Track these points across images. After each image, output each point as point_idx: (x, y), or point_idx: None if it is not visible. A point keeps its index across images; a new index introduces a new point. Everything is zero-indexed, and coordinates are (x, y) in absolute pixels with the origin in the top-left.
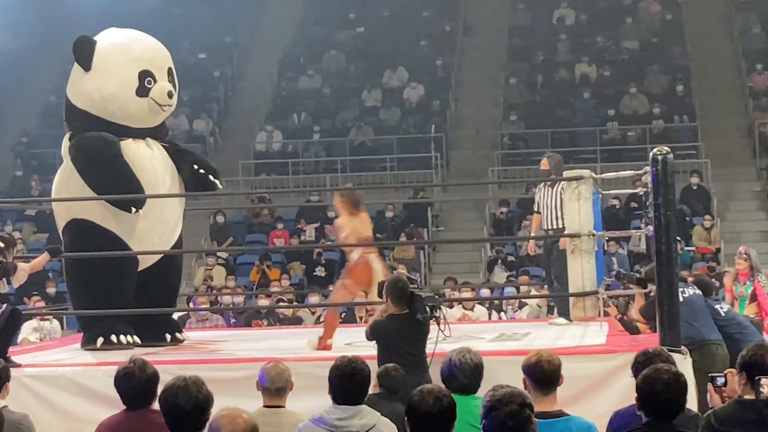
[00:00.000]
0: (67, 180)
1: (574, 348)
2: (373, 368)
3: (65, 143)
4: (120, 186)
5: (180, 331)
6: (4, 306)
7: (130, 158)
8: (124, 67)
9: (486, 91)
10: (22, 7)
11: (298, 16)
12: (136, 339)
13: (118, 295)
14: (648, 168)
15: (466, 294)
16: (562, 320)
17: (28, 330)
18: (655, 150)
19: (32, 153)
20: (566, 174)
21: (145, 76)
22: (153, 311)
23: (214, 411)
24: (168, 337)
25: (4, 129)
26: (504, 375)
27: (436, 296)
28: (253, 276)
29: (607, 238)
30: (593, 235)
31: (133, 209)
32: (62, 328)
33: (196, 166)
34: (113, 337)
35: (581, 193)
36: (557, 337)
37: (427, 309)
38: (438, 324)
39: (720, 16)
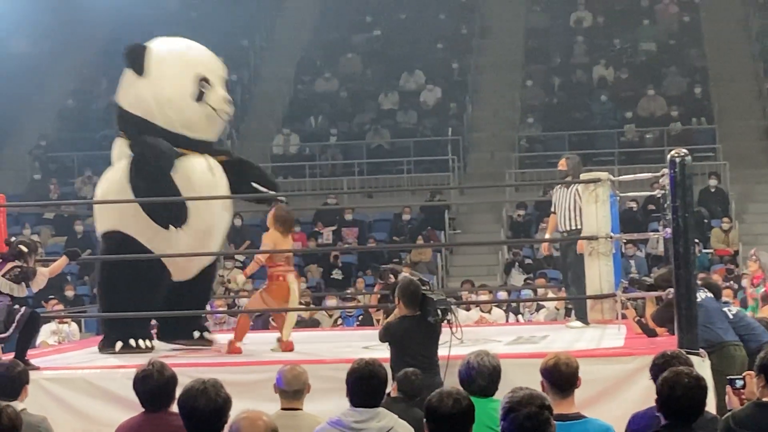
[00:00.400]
0: (117, 188)
1: (592, 351)
2: (387, 370)
3: (119, 147)
4: (162, 203)
5: (209, 332)
6: (23, 309)
7: (184, 175)
8: (180, 70)
9: (503, 94)
10: (40, 12)
11: (315, 19)
12: (155, 344)
13: (144, 307)
14: (666, 170)
15: (484, 297)
16: (578, 323)
17: (46, 333)
18: (672, 152)
19: (50, 156)
20: (584, 176)
21: (202, 81)
22: (170, 314)
23: (233, 414)
24: (196, 334)
25: (23, 133)
26: (521, 378)
27: (448, 299)
28: None
29: (624, 241)
30: (611, 237)
31: (171, 227)
32: (81, 330)
33: (254, 184)
34: (132, 341)
35: (599, 196)
36: (575, 340)
37: (439, 312)
38: (450, 327)
39: (738, 18)
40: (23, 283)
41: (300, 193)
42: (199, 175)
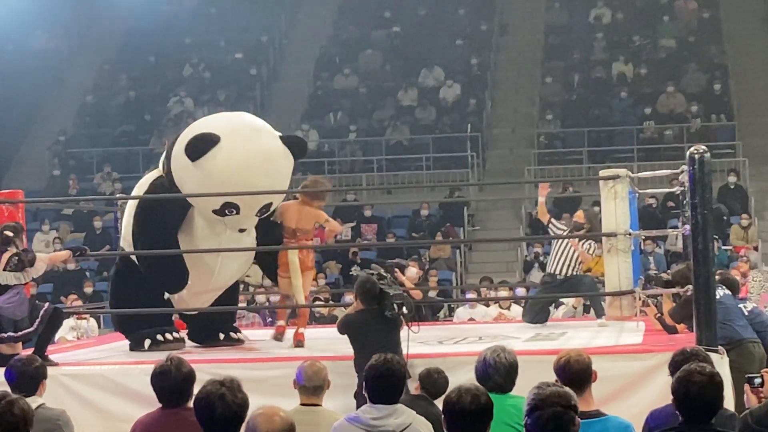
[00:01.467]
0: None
1: (611, 347)
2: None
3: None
4: (163, 267)
5: (236, 331)
6: (47, 305)
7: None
8: (213, 190)
9: (522, 90)
10: (59, 8)
11: (334, 15)
12: (183, 335)
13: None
14: (685, 167)
15: (503, 293)
16: (604, 320)
17: (65, 329)
18: (692, 149)
19: (69, 152)
20: (603, 173)
21: (228, 206)
22: (190, 310)
23: (250, 410)
24: (221, 335)
25: (42, 129)
26: (539, 375)
27: (405, 293)
28: None
29: (643, 238)
30: (629, 234)
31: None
32: (99, 326)
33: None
34: (159, 336)
35: (617, 192)
36: (593, 337)
37: (395, 306)
38: (408, 324)
39: (758, 15)
40: (26, 270)
41: (319, 190)
42: (207, 238)
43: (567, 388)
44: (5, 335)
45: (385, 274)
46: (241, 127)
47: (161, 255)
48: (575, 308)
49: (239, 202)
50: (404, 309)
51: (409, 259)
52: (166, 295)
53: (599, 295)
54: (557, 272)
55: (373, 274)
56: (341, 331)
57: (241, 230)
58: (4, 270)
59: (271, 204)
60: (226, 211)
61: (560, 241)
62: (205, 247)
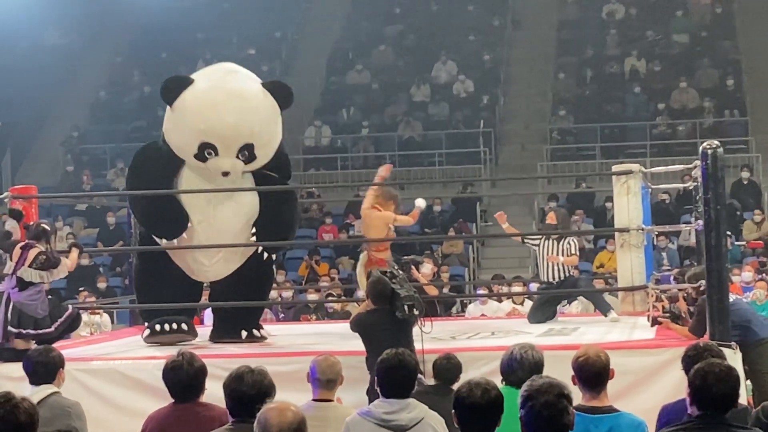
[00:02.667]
0: None
1: (624, 342)
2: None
3: None
4: (158, 212)
5: (257, 328)
6: (70, 308)
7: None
8: (188, 131)
9: (535, 86)
10: (71, 3)
11: (347, 11)
12: (187, 327)
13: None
14: (698, 162)
15: (517, 288)
16: (614, 314)
17: None
18: (705, 144)
19: (83, 148)
20: (616, 168)
21: (205, 147)
22: (206, 305)
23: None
24: (244, 333)
25: (55, 124)
26: (552, 370)
27: (416, 293)
28: (302, 271)
29: (656, 233)
30: (642, 229)
31: (164, 240)
32: (112, 322)
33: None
34: (157, 326)
35: (630, 188)
36: (606, 332)
37: (406, 308)
38: (419, 322)
39: None
40: (51, 270)
41: (332, 185)
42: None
43: (560, 380)
44: (24, 331)
45: (397, 272)
46: (217, 69)
47: (155, 196)
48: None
49: (215, 141)
50: (415, 310)
51: (423, 256)
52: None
53: (597, 291)
54: (551, 279)
55: (385, 272)
56: (353, 329)
57: (225, 174)
58: (30, 266)
59: (252, 146)
60: (205, 153)
61: (542, 250)
62: (197, 201)
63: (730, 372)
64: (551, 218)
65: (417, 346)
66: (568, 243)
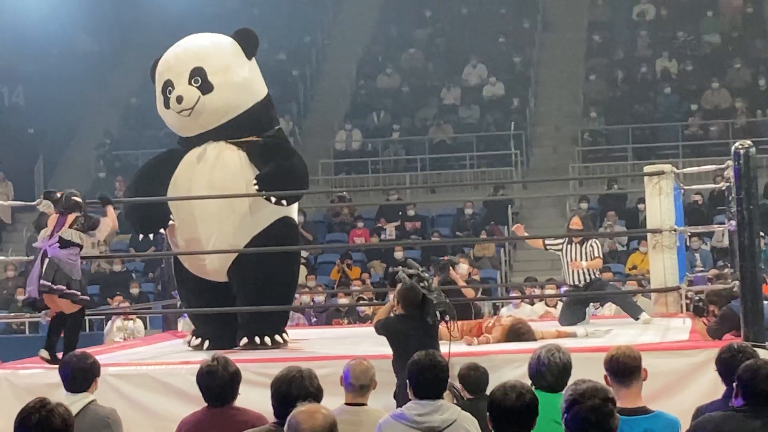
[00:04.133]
0: None
1: (657, 344)
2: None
3: None
4: (137, 207)
5: (263, 335)
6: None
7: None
8: (157, 82)
9: (566, 88)
10: (103, 11)
11: (376, 14)
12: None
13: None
14: (730, 162)
15: (550, 291)
16: (647, 316)
17: (112, 330)
18: (737, 144)
19: (115, 154)
20: (647, 169)
21: (166, 86)
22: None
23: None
24: (244, 341)
25: (87, 131)
26: (585, 372)
27: (446, 300)
28: (333, 275)
29: (689, 234)
30: (675, 230)
31: (141, 236)
32: (146, 327)
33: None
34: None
35: (662, 189)
36: (639, 334)
37: (438, 314)
38: (447, 326)
39: None
40: (90, 232)
41: (363, 189)
42: (182, 171)
43: (604, 384)
44: (56, 287)
45: (424, 274)
46: None
47: (137, 191)
48: None
49: (168, 74)
50: (446, 316)
51: (459, 255)
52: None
53: (627, 293)
54: (576, 282)
55: (412, 276)
56: (380, 332)
57: (179, 100)
58: (71, 227)
59: (203, 70)
60: (167, 92)
61: (566, 255)
62: (182, 178)
63: None
64: (576, 223)
65: (444, 349)
66: (591, 246)
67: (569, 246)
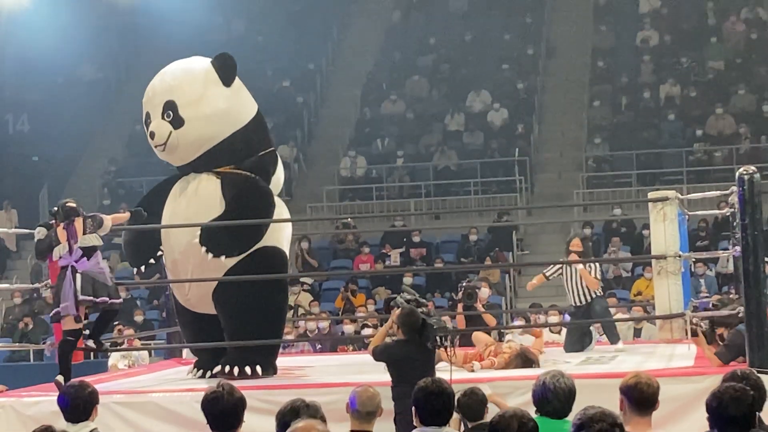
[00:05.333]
0: None
1: (663, 370)
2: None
3: None
4: (128, 240)
5: (247, 365)
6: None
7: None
8: (143, 113)
9: (570, 114)
10: (107, 38)
11: (380, 41)
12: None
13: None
14: (734, 188)
15: (554, 317)
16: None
17: (116, 357)
18: (741, 170)
19: (119, 182)
20: (652, 195)
21: (147, 119)
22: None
23: None
24: (216, 368)
25: (92, 159)
26: (591, 398)
27: (445, 325)
28: (338, 303)
29: (694, 260)
30: (679, 256)
31: (135, 270)
32: (150, 354)
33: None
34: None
35: (667, 214)
36: (644, 360)
37: (438, 339)
38: (446, 352)
39: None
40: (98, 231)
41: (367, 215)
42: (168, 202)
43: (612, 410)
44: (98, 299)
45: (422, 300)
46: None
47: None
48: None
49: (147, 108)
50: (445, 341)
51: (478, 279)
52: None
53: (649, 318)
54: (574, 302)
55: (410, 301)
56: (379, 358)
57: (151, 136)
58: (85, 233)
59: (174, 104)
60: (147, 125)
61: (568, 274)
62: (166, 209)
63: (746, 393)
64: (576, 244)
65: (445, 375)
66: (589, 267)
67: (569, 267)
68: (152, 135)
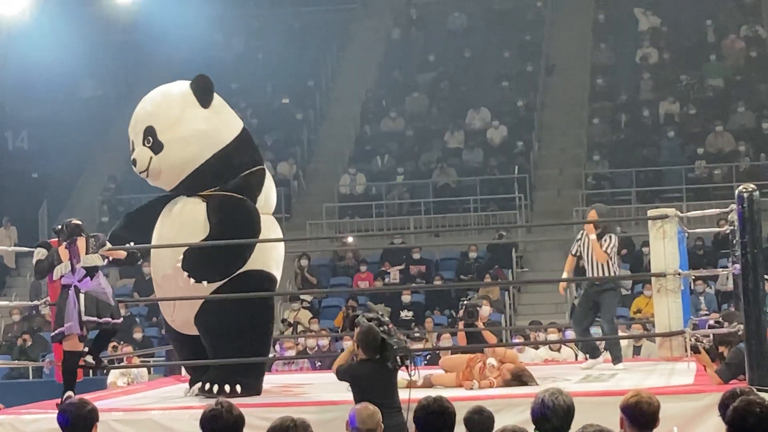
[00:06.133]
0: None
1: (662, 388)
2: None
3: None
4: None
5: (222, 384)
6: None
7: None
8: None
9: (569, 131)
10: (107, 55)
11: (380, 58)
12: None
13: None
14: (734, 206)
15: (553, 335)
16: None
17: (115, 374)
18: (741, 188)
19: (119, 199)
20: (651, 213)
21: (132, 147)
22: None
23: None
24: (196, 386)
25: (92, 176)
26: (590, 416)
27: (406, 345)
28: (337, 322)
29: (693, 278)
30: (679, 274)
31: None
32: (149, 372)
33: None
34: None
35: (666, 232)
36: (644, 378)
37: (398, 359)
38: (407, 370)
39: None
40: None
41: (367, 234)
42: (156, 228)
43: (610, 428)
44: (102, 320)
45: (384, 318)
46: None
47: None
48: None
49: (130, 136)
50: (406, 361)
51: (479, 297)
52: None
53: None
54: (592, 275)
55: (371, 319)
56: (342, 378)
57: (134, 163)
58: (88, 253)
59: (153, 129)
60: (132, 151)
61: (583, 249)
62: (156, 232)
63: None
64: (592, 215)
65: (404, 395)
66: (605, 240)
67: (585, 239)
68: (134, 162)
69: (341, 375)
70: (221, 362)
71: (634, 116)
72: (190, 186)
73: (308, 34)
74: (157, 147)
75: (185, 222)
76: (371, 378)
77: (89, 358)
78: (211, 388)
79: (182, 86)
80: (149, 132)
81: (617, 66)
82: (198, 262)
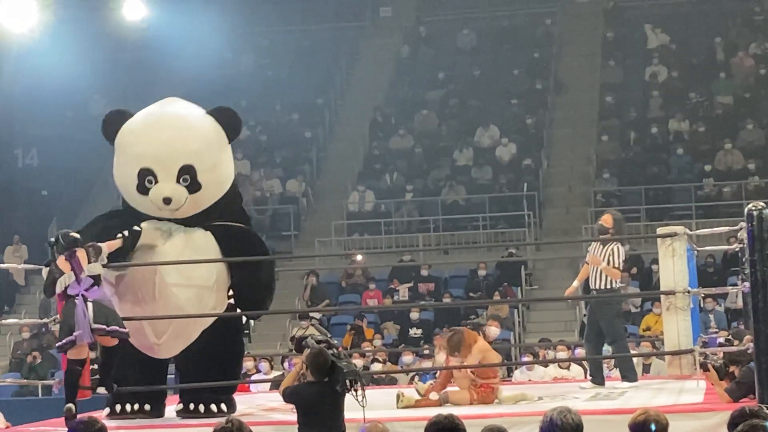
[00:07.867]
0: None
1: (672, 406)
2: None
3: None
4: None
5: (218, 403)
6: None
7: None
8: (127, 161)
9: (578, 149)
10: (116, 73)
11: (389, 76)
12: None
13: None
14: (743, 224)
15: (562, 353)
16: (588, 385)
17: None
18: (750, 206)
19: None
20: (660, 230)
21: (145, 174)
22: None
23: None
24: (201, 407)
25: (100, 193)
26: None
27: (356, 368)
28: (345, 341)
29: (703, 296)
30: (688, 292)
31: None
32: None
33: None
34: (118, 407)
35: (676, 250)
36: (653, 396)
37: (347, 383)
38: (356, 394)
39: None
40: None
41: (376, 251)
42: (146, 247)
43: None
44: (109, 328)
45: (333, 341)
46: (157, 102)
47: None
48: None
49: (152, 165)
50: (355, 385)
51: (488, 316)
52: None
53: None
54: (594, 286)
55: (321, 342)
56: (288, 400)
57: (166, 201)
58: (90, 262)
59: (193, 168)
60: (146, 182)
61: (592, 254)
62: (144, 256)
63: None
64: (606, 220)
65: (352, 415)
66: (612, 250)
67: (595, 244)
68: (167, 201)
69: (287, 397)
70: (225, 384)
71: (643, 134)
72: (198, 220)
73: (317, 52)
74: (194, 187)
75: (199, 252)
76: (317, 400)
77: (102, 389)
78: (197, 407)
79: (210, 122)
80: (188, 171)
81: (626, 83)
82: (251, 298)
